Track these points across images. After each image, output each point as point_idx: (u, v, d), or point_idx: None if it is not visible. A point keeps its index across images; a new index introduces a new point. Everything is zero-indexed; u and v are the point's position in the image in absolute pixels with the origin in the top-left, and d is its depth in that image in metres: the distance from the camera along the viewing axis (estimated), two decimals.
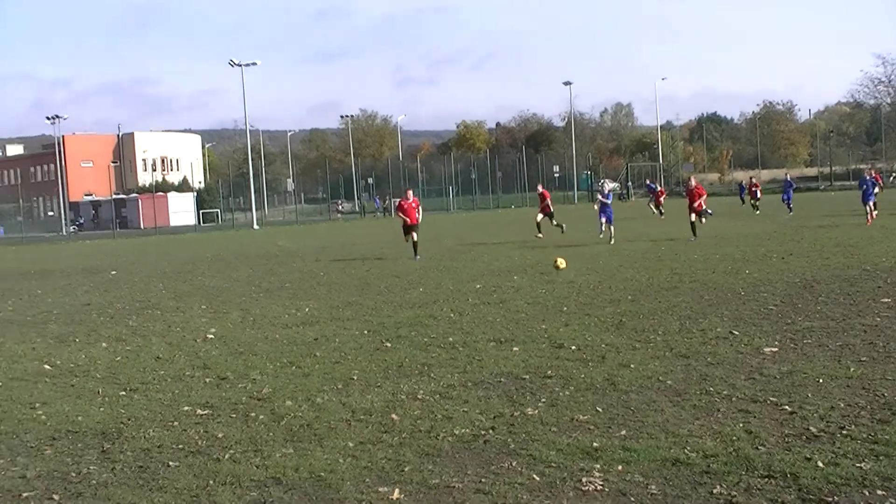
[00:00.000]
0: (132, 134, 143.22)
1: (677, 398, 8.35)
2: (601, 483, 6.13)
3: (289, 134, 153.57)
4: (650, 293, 15.98)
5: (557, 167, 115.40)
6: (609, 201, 29.95)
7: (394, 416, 8.23)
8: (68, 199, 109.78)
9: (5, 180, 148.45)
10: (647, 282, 17.76)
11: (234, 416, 8.63)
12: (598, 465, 6.50)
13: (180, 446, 7.66)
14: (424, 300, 16.71)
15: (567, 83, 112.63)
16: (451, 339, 12.24)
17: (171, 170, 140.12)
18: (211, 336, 13.74)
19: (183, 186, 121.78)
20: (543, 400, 8.56)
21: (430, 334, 12.74)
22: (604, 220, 29.80)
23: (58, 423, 8.76)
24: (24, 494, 6.62)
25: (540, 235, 33.58)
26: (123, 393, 10.00)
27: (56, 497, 6.53)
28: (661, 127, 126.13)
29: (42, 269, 35.06)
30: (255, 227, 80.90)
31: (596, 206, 30.99)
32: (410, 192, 29.83)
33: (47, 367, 11.98)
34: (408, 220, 28.33)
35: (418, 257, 27.14)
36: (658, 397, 8.43)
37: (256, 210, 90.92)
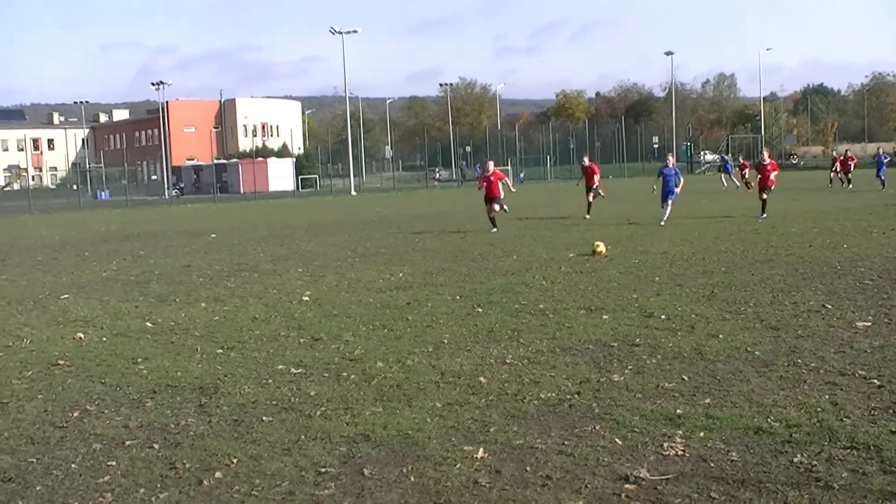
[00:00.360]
0: (234, 100, 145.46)
1: (764, 369, 8.36)
2: (682, 449, 6.21)
3: (388, 101, 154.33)
4: (744, 265, 15.86)
5: (657, 138, 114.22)
6: (673, 176, 26.51)
7: (482, 378, 8.39)
8: (171, 164, 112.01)
9: (111, 145, 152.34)
10: (741, 254, 17.62)
11: (326, 375, 8.88)
12: (681, 432, 6.57)
13: (274, 403, 7.93)
14: (517, 268, 16.82)
15: (669, 53, 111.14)
16: (541, 306, 12.35)
17: (271, 136, 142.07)
18: (306, 298, 14.06)
19: (282, 152, 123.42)
20: (630, 367, 8.64)
21: (522, 301, 12.86)
22: (669, 201, 26.55)
23: (158, 378, 9.11)
24: (127, 443, 6.95)
25: (587, 216, 30.01)
26: (220, 351, 10.34)
27: (156, 446, 6.84)
28: (764, 98, 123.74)
29: (145, 231, 36.01)
30: (353, 193, 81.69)
31: (655, 189, 27.86)
32: (491, 164, 27.82)
33: (149, 324, 12.41)
34: (488, 191, 26.50)
35: (495, 229, 25.84)
36: (745, 367, 8.44)
37: (354, 177, 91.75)
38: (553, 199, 46.38)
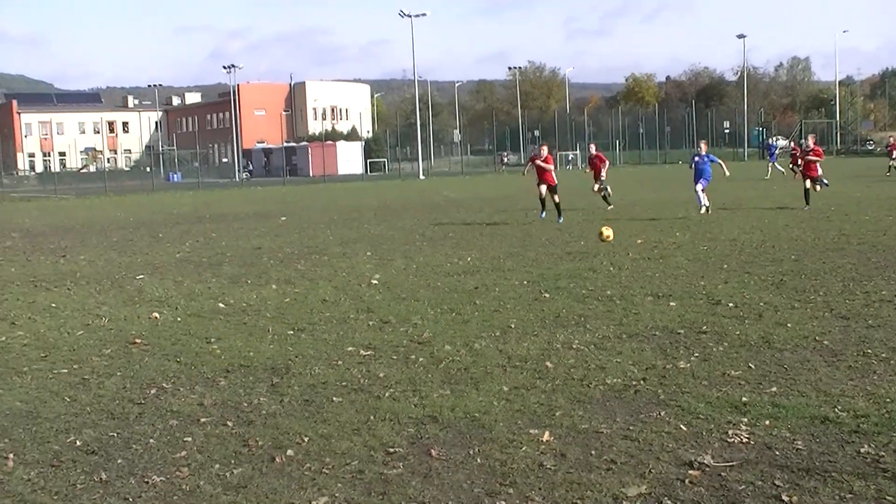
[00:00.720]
0: (303, 83, 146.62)
1: (833, 358, 8.34)
2: (747, 436, 6.25)
3: (456, 85, 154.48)
4: (814, 253, 15.73)
5: (728, 123, 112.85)
6: (705, 163, 24.57)
7: (548, 363, 8.48)
8: (241, 147, 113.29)
9: (184, 127, 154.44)
10: (812, 242, 17.46)
11: (395, 357, 9.03)
12: (746, 420, 6.61)
13: (344, 383, 8.10)
14: (585, 253, 16.86)
15: (741, 36, 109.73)
16: (608, 292, 12.39)
17: (341, 119, 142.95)
18: (375, 281, 14.25)
19: (351, 135, 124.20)
20: (696, 354, 8.67)
21: (589, 287, 12.91)
22: (699, 186, 24.39)
23: (231, 358, 9.34)
24: (202, 420, 7.16)
25: (610, 207, 28.62)
26: (291, 332, 10.55)
27: (230, 424, 7.04)
28: (840, 82, 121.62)
29: (216, 213, 36.59)
30: (422, 177, 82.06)
31: (692, 168, 25.28)
32: (545, 149, 25.77)
33: (221, 305, 12.68)
34: (541, 177, 24.94)
35: (562, 220, 24.11)
36: (813, 357, 8.43)
37: (423, 160, 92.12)
38: (622, 185, 46.18)
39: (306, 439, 6.54)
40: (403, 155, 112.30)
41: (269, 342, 10.01)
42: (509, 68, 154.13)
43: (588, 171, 31.35)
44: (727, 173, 25.97)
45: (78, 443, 6.72)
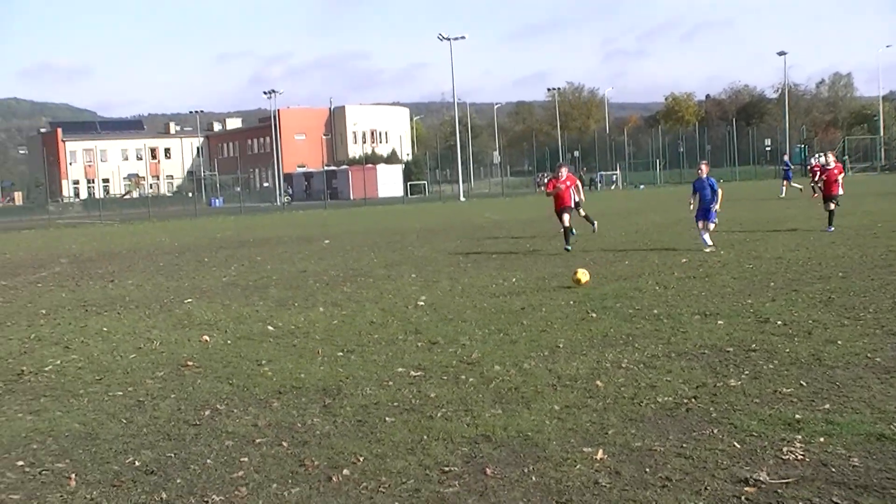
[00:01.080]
0: (343, 107, 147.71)
1: (885, 375, 8.29)
2: (802, 453, 6.24)
3: (495, 107, 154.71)
4: (862, 270, 15.61)
5: (769, 140, 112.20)
6: (708, 189, 20.87)
7: (598, 382, 8.50)
8: (282, 171, 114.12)
9: (225, 153, 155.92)
10: (859, 259, 17.32)
11: (445, 378, 9.09)
12: (800, 437, 6.59)
13: (395, 404, 8.17)
14: (630, 273, 16.84)
15: (782, 53, 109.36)
16: (655, 311, 12.38)
17: (380, 142, 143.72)
18: (421, 303, 14.32)
19: (391, 158, 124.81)
20: (747, 372, 8.65)
21: (635, 306, 12.91)
22: (700, 224, 20.97)
23: (282, 379, 9.44)
24: (258, 440, 7.25)
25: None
26: (341, 353, 10.64)
27: (285, 444, 7.12)
28: (883, 97, 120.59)
29: (259, 237, 36.87)
30: (462, 199, 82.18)
31: (692, 205, 21.40)
32: (564, 170, 24.02)
33: (270, 328, 12.80)
34: (559, 201, 23.11)
35: (569, 247, 22.11)
36: (865, 374, 8.39)
37: (463, 182, 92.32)
38: (663, 204, 46.06)
39: (361, 459, 6.61)
40: (443, 177, 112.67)
41: (319, 364, 10.10)
42: (548, 89, 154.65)
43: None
44: (717, 208, 21.12)
45: (137, 463, 6.83)
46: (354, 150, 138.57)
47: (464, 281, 16.97)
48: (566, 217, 22.76)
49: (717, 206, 20.94)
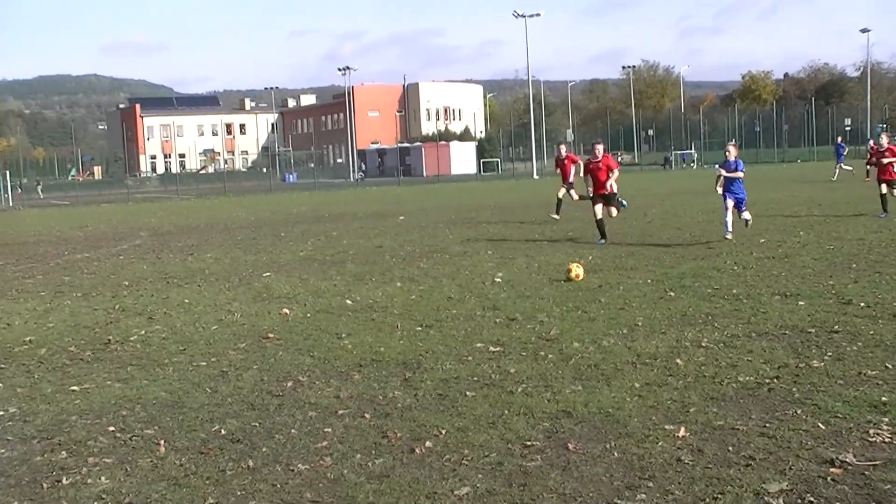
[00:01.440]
0: (416, 84, 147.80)
1: None
2: (889, 436, 6.17)
3: (569, 84, 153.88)
4: None
5: (849, 120, 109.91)
6: (738, 174, 18.38)
7: (678, 361, 8.47)
8: (356, 147, 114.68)
9: (299, 129, 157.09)
10: None
11: (524, 354, 9.13)
12: (887, 419, 6.51)
13: (475, 379, 8.22)
14: (707, 253, 16.68)
15: (864, 30, 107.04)
16: (734, 291, 12.27)
17: (454, 119, 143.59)
18: (498, 280, 14.35)
19: (464, 136, 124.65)
20: (829, 353, 8.55)
21: (714, 285, 12.80)
22: (730, 203, 18.42)
23: (362, 353, 9.55)
24: (340, 412, 7.36)
25: (555, 216, 26.03)
26: (420, 328, 10.72)
27: (367, 416, 7.22)
28: None
29: (334, 213, 37.17)
30: (535, 176, 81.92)
31: (719, 188, 18.64)
32: (600, 148, 20.50)
33: (349, 302, 12.93)
34: (592, 187, 20.30)
35: (603, 241, 19.40)
36: None
37: (536, 160, 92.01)
38: None
39: (443, 432, 6.68)
40: (516, 155, 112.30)
41: (398, 338, 10.19)
42: (623, 67, 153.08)
43: (558, 172, 27.23)
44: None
45: (223, 431, 6.98)
46: (428, 127, 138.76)
47: (540, 258, 16.95)
48: (599, 208, 19.77)
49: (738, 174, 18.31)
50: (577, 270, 13.95)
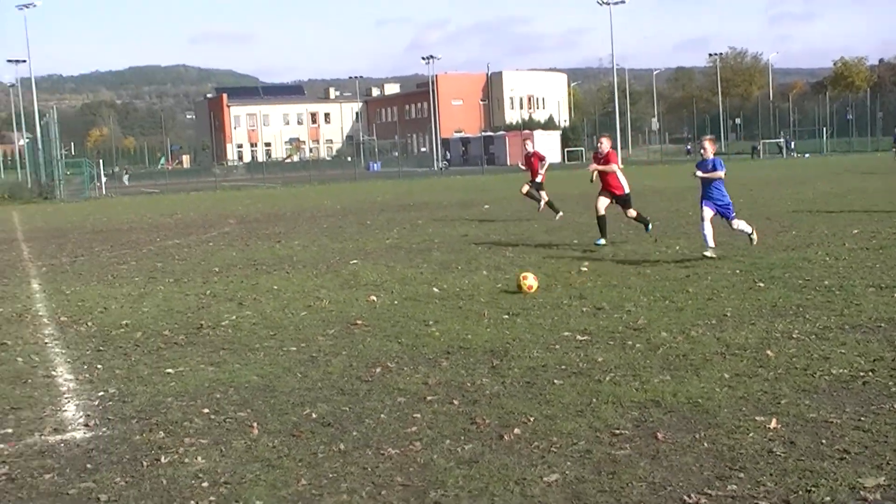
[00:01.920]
0: (500, 73, 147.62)
1: None
2: None
3: (654, 73, 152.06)
4: None
5: None
6: (717, 174, 14.85)
7: (769, 352, 8.37)
8: (440, 136, 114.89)
9: (383, 118, 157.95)
10: None
11: (611, 343, 9.10)
12: None
13: (563, 367, 8.22)
14: (797, 243, 16.42)
15: None
16: (826, 282, 12.06)
17: (537, 108, 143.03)
18: (584, 269, 14.30)
19: (548, 125, 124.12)
20: None
21: (805, 276, 12.59)
22: (708, 212, 14.88)
23: (450, 340, 9.61)
24: (429, 398, 7.43)
25: (560, 215, 23.99)
26: (506, 316, 10.75)
27: (455, 402, 7.27)
28: None
29: (418, 201, 37.32)
30: (619, 165, 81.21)
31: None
32: (605, 141, 18.06)
33: (435, 290, 13.00)
34: (603, 184, 17.91)
35: (602, 241, 17.41)
36: None
37: (621, 149, 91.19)
38: (831, 173, 44.55)
39: (532, 419, 6.70)
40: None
41: (485, 326, 10.23)
42: (709, 55, 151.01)
43: (525, 168, 25.24)
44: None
45: (314, 415, 7.08)
46: (511, 116, 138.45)
47: (626, 248, 16.86)
48: (601, 201, 17.80)
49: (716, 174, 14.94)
50: (530, 282, 12.32)
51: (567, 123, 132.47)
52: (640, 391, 7.30)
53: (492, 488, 5.46)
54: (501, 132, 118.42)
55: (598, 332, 9.62)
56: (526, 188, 24.88)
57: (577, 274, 13.82)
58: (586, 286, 12.63)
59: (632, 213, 18.02)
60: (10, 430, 7.14)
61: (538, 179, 24.40)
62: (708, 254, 14.50)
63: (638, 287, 12.32)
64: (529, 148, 25.16)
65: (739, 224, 15.22)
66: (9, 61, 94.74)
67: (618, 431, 6.35)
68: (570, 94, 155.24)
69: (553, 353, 8.74)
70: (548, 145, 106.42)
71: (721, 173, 14.89)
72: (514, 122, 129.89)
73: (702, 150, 15.54)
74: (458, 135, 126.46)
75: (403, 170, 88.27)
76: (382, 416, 6.99)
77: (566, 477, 5.57)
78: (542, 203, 24.34)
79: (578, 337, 9.41)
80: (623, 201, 17.94)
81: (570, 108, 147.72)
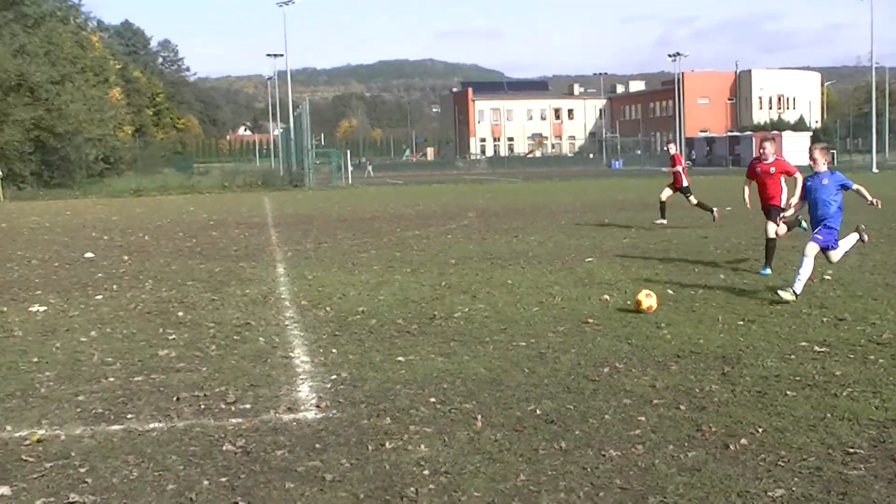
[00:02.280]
0: (749, 71, 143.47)
1: None
2: None
3: None
4: None
5: None
6: (829, 190, 12.26)
7: None
8: (684, 135, 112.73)
9: (626, 115, 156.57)
10: None
11: (851, 356, 8.71)
12: None
13: (797, 378, 7.94)
14: None
15: None
16: None
17: (787, 108, 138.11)
18: (827, 277, 13.69)
19: (798, 125, 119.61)
20: None
21: None
22: (813, 248, 12.10)
23: (681, 343, 9.45)
24: (655, 401, 7.34)
25: (662, 221, 23.91)
26: (741, 322, 10.46)
27: (682, 407, 7.15)
28: None
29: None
30: (874, 170, 77.35)
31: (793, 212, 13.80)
32: (768, 146, 15.16)
33: (669, 291, 12.75)
34: (763, 196, 15.17)
35: (767, 270, 14.49)
36: None
37: (877, 152, 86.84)
38: None
39: (760, 430, 6.51)
40: (854, 146, 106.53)
41: (718, 331, 10.01)
42: None
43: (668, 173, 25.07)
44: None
45: (538, 412, 7.13)
46: (759, 116, 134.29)
47: (876, 257, 16.05)
48: (770, 226, 14.73)
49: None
50: (649, 301, 11.18)
51: (818, 124, 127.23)
52: (881, 409, 6.96)
53: (712, 498, 5.35)
54: (748, 132, 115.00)
55: (838, 343, 9.23)
56: (695, 200, 24.38)
57: (820, 282, 13.28)
58: (828, 295, 12.13)
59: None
60: (248, 406, 7.55)
61: (685, 184, 24.45)
62: (786, 295, 11.45)
63: (885, 299, 11.71)
64: (672, 150, 25.76)
65: (840, 252, 12.62)
66: (268, 55, 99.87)
67: (852, 450, 6.08)
68: (823, 93, 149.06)
69: (788, 364, 8.45)
70: (797, 147, 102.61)
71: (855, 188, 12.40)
72: (762, 123, 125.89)
73: (811, 163, 12.55)
74: (703, 134, 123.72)
75: (646, 168, 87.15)
76: (606, 416, 6.97)
77: (792, 493, 5.39)
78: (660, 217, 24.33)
79: (816, 348, 9.06)
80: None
81: (822, 109, 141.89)
